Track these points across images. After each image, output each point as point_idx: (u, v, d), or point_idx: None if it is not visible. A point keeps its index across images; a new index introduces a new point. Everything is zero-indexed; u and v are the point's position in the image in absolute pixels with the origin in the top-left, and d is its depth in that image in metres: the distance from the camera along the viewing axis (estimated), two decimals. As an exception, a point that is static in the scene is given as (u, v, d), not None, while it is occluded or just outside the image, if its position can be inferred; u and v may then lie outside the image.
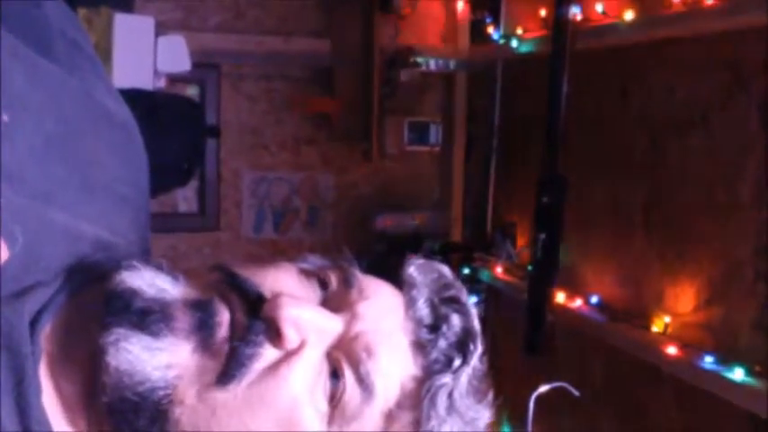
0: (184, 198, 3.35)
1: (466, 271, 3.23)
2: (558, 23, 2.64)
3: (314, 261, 0.65)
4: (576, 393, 1.46)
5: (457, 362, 0.59)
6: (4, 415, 0.51)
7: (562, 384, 1.45)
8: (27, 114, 0.57)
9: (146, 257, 0.69)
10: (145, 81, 2.46)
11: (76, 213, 0.61)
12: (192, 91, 3.26)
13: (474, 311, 0.63)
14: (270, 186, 3.44)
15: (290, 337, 0.54)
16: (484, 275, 3.22)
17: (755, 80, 2.05)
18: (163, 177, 2.24)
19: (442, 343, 0.59)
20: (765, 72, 2.02)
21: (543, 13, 2.90)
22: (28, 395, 0.52)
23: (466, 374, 0.59)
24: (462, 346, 0.59)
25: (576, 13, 2.63)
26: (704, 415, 2.19)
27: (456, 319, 0.60)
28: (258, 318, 0.54)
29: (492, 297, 3.21)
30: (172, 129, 2.32)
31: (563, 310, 2.68)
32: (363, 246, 3.32)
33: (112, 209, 0.66)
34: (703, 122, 2.23)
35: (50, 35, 0.65)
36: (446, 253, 3.29)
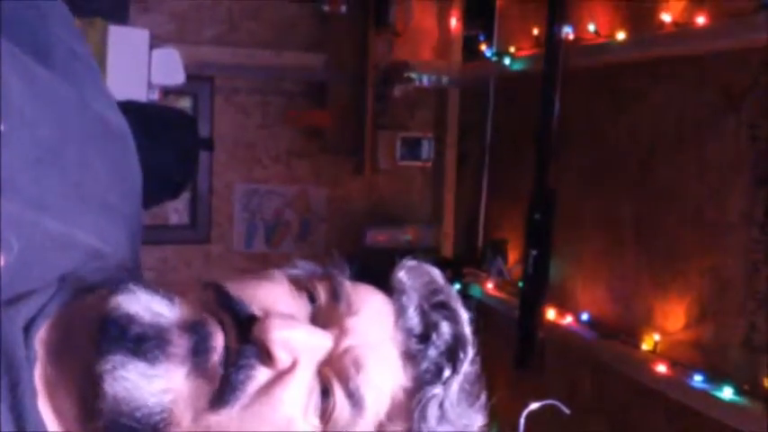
0: (175, 210, 3.35)
1: (457, 287, 3.23)
2: (551, 42, 2.66)
3: (304, 266, 0.65)
4: (567, 411, 1.46)
5: (447, 372, 0.59)
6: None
7: (552, 402, 1.44)
8: (23, 123, 0.58)
9: (137, 272, 0.70)
10: (139, 93, 2.47)
11: (70, 222, 0.61)
12: (184, 104, 3.26)
13: (464, 316, 0.63)
14: (262, 199, 3.44)
15: (282, 358, 0.54)
16: (475, 291, 3.22)
17: (745, 99, 2.07)
18: (154, 189, 2.23)
19: (432, 352, 0.59)
20: (754, 92, 2.04)
21: (536, 31, 2.92)
22: (23, 399, 0.52)
23: (457, 383, 0.59)
24: (452, 354, 0.60)
25: (568, 32, 2.66)
26: (693, 433, 2.19)
27: (445, 327, 0.61)
28: (249, 341, 0.54)
29: (483, 313, 3.21)
30: (165, 141, 2.31)
31: (553, 326, 2.68)
32: (355, 259, 3.32)
33: (104, 219, 0.66)
34: (693, 140, 2.24)
35: (49, 43, 0.66)
36: (437, 268, 3.28)
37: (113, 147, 0.69)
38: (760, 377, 1.97)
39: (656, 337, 2.30)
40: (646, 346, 2.32)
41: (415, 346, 0.59)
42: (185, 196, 3.26)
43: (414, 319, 0.60)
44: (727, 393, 2.00)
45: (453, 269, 3.30)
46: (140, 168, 0.74)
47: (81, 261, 0.62)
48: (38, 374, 0.55)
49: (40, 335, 0.56)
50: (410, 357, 0.59)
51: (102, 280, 0.62)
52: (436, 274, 0.65)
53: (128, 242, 0.70)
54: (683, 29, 2.23)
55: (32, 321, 0.56)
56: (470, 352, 0.61)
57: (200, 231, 3.38)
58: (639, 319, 2.40)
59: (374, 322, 0.59)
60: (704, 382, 2.08)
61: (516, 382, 2.75)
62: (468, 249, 3.45)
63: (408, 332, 0.60)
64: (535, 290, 2.70)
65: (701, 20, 2.17)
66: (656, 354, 2.28)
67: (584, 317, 2.62)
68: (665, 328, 2.30)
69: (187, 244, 3.38)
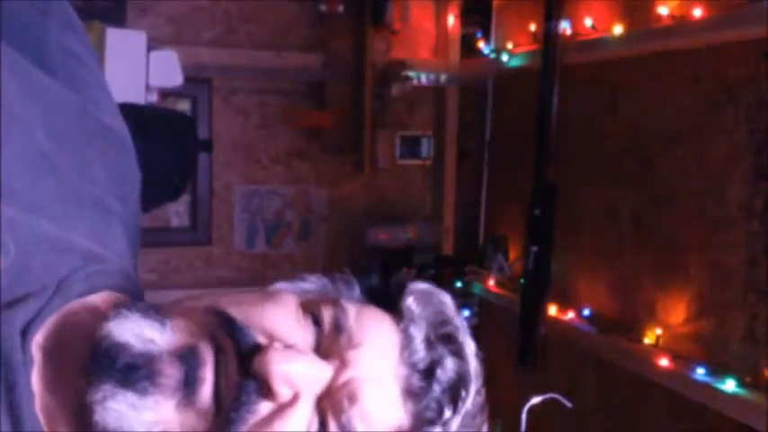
0: (176, 212, 3.35)
1: (458, 284, 3.23)
2: (548, 38, 2.66)
3: (313, 281, 0.65)
4: (569, 405, 1.47)
5: (448, 413, 0.58)
6: None
7: (554, 396, 1.45)
8: (19, 126, 0.58)
9: (135, 276, 0.70)
10: (137, 95, 2.47)
11: (67, 225, 0.61)
12: (183, 106, 3.26)
13: (472, 349, 0.62)
14: (262, 200, 3.44)
15: (282, 393, 0.54)
16: (476, 288, 3.22)
17: (743, 92, 2.07)
18: (154, 192, 2.24)
19: (435, 389, 0.58)
20: (753, 84, 2.04)
21: (533, 27, 2.92)
22: (20, 402, 0.53)
23: (456, 423, 0.59)
24: (455, 393, 0.59)
25: (565, 27, 2.66)
26: (696, 426, 2.19)
27: (450, 363, 0.59)
28: (250, 374, 0.54)
29: (484, 310, 3.21)
30: (164, 143, 2.32)
31: (555, 322, 2.68)
32: (356, 259, 3.32)
33: (102, 222, 0.66)
34: (692, 134, 2.24)
35: (48, 45, 0.66)
36: (438, 266, 3.29)
37: (112, 150, 0.69)
38: (762, 369, 1.97)
39: (658, 330, 2.30)
40: (648, 340, 2.32)
41: (417, 383, 0.58)
42: (185, 198, 3.26)
43: (420, 353, 0.59)
44: (729, 386, 2.01)
45: (454, 266, 3.30)
46: (140, 171, 0.74)
47: (79, 264, 0.62)
48: (35, 378, 0.55)
49: (37, 339, 0.56)
50: (412, 394, 0.58)
51: (100, 284, 0.63)
52: (447, 301, 0.64)
53: (126, 245, 0.70)
54: (679, 22, 2.23)
55: (30, 325, 0.56)
56: (473, 389, 0.60)
57: (201, 233, 3.38)
58: (641, 313, 2.41)
59: (377, 355, 0.58)
60: (706, 374, 2.09)
61: (519, 378, 2.76)
62: (468, 247, 3.45)
63: (412, 367, 0.58)
64: (536, 286, 2.70)
65: (697, 12, 2.17)
66: (658, 347, 2.28)
67: (586, 312, 2.62)
68: (667, 322, 2.30)
69: (188, 246, 3.38)
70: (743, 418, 1.97)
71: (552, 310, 2.70)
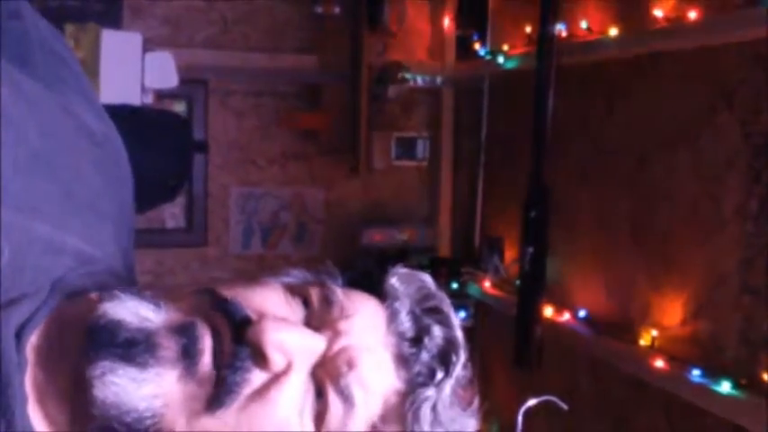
0: (172, 214, 3.35)
1: (454, 285, 3.23)
2: (544, 40, 2.66)
3: (296, 275, 0.65)
4: (565, 407, 1.47)
5: (440, 374, 0.59)
6: None
7: (550, 398, 1.45)
8: (10, 128, 0.58)
9: (130, 277, 0.70)
10: (132, 97, 2.47)
11: (60, 226, 0.62)
12: (179, 107, 3.26)
13: (456, 321, 0.64)
14: (258, 202, 3.44)
15: (276, 360, 0.54)
16: (472, 290, 3.23)
17: (738, 94, 2.08)
18: (150, 193, 2.23)
19: (425, 355, 0.60)
20: (748, 86, 2.05)
21: (529, 29, 2.93)
22: (13, 404, 0.53)
23: (449, 386, 0.60)
24: (445, 357, 0.60)
25: (561, 29, 2.66)
26: (691, 428, 2.19)
27: (438, 330, 0.61)
28: (243, 343, 0.54)
29: (480, 311, 3.21)
30: (159, 144, 2.31)
31: (551, 324, 2.68)
32: (351, 261, 3.32)
33: (94, 223, 0.66)
34: (688, 136, 2.25)
35: (29, 49, 0.66)
36: (434, 267, 3.29)
37: (98, 152, 0.69)
38: (757, 371, 1.98)
39: (654, 332, 2.30)
40: (643, 341, 2.32)
41: (407, 349, 0.60)
42: (181, 200, 3.26)
43: (406, 324, 0.61)
44: (725, 387, 2.01)
45: (450, 268, 3.30)
46: (132, 172, 0.74)
47: (72, 266, 0.62)
48: (28, 380, 0.55)
49: (32, 341, 0.56)
50: (403, 360, 0.59)
51: (93, 284, 0.63)
52: (428, 279, 0.66)
53: (119, 246, 0.70)
54: (675, 24, 2.23)
55: (24, 327, 0.56)
56: (462, 356, 0.61)
57: (197, 235, 3.38)
58: (637, 314, 2.41)
59: (367, 326, 0.59)
60: (702, 376, 2.09)
61: (515, 379, 2.76)
62: (464, 248, 3.45)
63: (401, 336, 0.60)
64: (532, 287, 2.70)
65: (692, 15, 2.17)
66: (653, 349, 2.28)
67: (582, 314, 2.62)
68: (663, 324, 2.31)
69: (184, 247, 3.37)
70: (739, 419, 1.97)
71: (548, 311, 2.70)
